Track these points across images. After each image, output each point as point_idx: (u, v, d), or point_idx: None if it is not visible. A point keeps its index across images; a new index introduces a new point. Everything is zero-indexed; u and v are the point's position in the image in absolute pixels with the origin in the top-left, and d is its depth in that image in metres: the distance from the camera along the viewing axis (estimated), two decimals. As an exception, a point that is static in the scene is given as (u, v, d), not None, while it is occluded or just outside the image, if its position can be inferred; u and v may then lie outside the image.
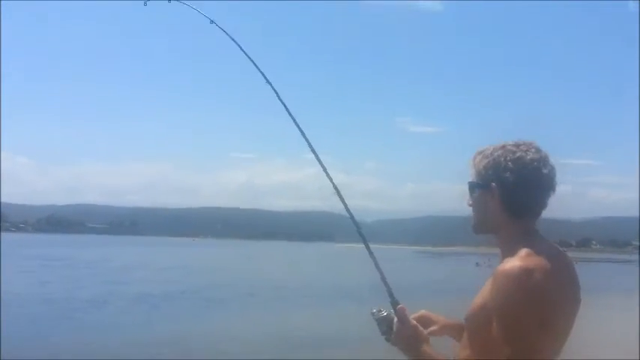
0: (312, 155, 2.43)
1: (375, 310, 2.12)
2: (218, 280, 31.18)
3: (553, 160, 1.90)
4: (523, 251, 1.77)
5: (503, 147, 1.88)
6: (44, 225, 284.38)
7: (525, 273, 1.71)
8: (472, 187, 1.96)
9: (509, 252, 1.81)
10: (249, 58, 2.69)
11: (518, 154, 1.85)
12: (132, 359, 11.75)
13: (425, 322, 2.17)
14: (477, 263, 56.36)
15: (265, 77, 2.64)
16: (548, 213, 1.90)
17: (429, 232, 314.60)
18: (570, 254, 1.97)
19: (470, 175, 1.97)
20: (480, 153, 1.94)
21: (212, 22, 2.78)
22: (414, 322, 2.05)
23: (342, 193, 2.31)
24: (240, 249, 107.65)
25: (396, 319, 2.06)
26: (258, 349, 12.97)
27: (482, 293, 1.80)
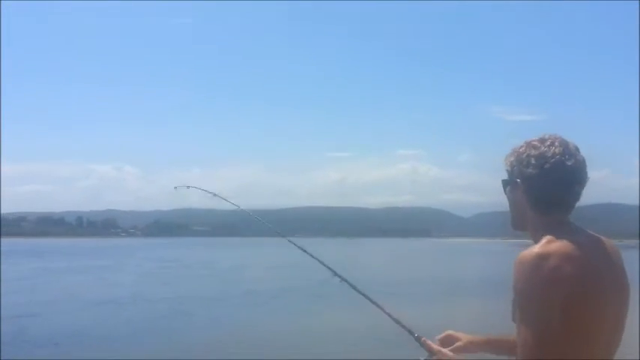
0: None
1: None
2: (319, 277, 32.36)
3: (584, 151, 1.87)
4: (544, 239, 1.76)
5: (528, 143, 1.89)
6: (152, 229, 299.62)
7: (540, 258, 1.69)
8: (504, 184, 1.97)
9: None
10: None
11: (541, 149, 1.84)
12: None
13: (450, 341, 2.26)
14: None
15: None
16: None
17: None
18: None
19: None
20: (511, 150, 1.95)
21: None
22: (437, 347, 2.17)
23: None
24: (337, 246, 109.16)
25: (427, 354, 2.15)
26: (368, 338, 13.87)
27: None
